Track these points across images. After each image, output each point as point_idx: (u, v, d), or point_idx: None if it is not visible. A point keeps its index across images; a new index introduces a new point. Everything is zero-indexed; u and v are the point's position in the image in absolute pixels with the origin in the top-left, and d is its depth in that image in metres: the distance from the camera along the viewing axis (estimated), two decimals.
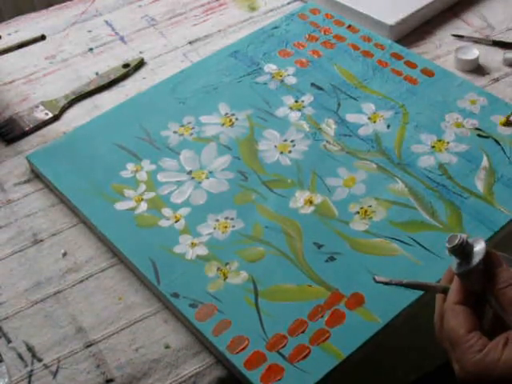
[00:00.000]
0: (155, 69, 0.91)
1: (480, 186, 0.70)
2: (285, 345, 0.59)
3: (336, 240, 0.67)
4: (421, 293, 0.62)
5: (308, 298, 0.62)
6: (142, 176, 0.74)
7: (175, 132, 0.79)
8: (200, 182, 0.73)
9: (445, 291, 0.52)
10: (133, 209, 0.71)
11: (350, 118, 0.79)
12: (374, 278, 0.51)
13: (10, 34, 0.97)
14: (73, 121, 0.84)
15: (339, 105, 0.80)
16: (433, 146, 0.75)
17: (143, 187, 0.73)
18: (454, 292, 0.51)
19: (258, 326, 0.60)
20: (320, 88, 0.83)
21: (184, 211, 0.70)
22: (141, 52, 0.93)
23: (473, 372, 0.47)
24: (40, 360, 0.61)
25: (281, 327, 0.60)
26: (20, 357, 0.62)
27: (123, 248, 0.67)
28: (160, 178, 0.74)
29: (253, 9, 0.99)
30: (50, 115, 0.84)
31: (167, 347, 0.61)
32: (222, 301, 0.62)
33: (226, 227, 0.69)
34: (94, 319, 0.64)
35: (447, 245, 0.49)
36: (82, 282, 0.67)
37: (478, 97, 0.80)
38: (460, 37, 0.90)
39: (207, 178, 0.74)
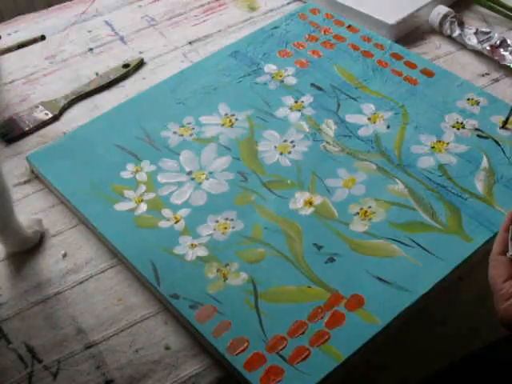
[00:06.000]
0: (155, 69, 0.91)
1: (480, 186, 0.70)
2: (284, 346, 0.59)
3: (336, 241, 0.67)
4: (421, 293, 0.62)
5: (308, 300, 0.62)
6: (142, 177, 0.74)
7: (175, 133, 0.79)
8: (200, 183, 0.73)
9: None
10: (133, 210, 0.71)
11: (350, 118, 0.79)
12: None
13: (9, 34, 0.97)
14: (73, 121, 0.84)
15: (339, 105, 0.80)
16: (432, 147, 0.75)
17: (143, 188, 0.73)
18: (497, 243, 0.58)
19: (257, 327, 0.60)
20: (320, 88, 0.83)
21: (184, 212, 0.70)
22: (141, 52, 0.93)
23: (502, 316, 0.54)
24: (40, 361, 0.61)
25: (280, 329, 0.60)
26: (20, 358, 0.62)
27: (123, 249, 0.67)
28: (160, 178, 0.74)
29: (253, 9, 0.99)
30: (50, 115, 0.84)
31: (167, 348, 0.61)
32: (221, 302, 0.62)
33: (225, 228, 0.69)
34: (94, 320, 0.64)
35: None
36: (81, 283, 0.67)
37: (477, 97, 0.80)
38: None
39: (207, 178, 0.74)
